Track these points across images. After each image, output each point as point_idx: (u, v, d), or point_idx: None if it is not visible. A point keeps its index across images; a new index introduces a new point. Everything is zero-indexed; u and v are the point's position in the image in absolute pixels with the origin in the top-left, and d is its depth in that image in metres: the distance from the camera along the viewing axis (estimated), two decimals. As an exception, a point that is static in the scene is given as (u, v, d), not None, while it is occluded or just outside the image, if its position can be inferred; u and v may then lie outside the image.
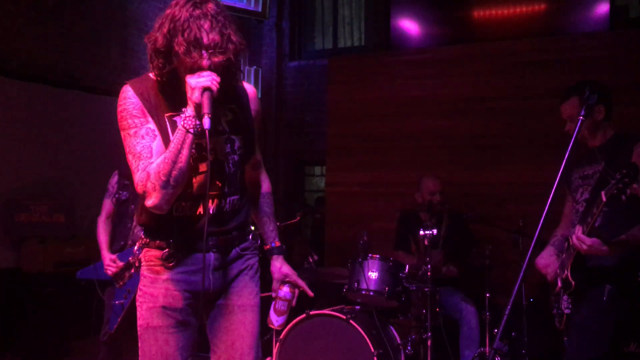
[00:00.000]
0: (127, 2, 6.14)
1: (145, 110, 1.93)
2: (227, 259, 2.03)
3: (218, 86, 1.85)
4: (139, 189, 1.89)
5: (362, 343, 3.55)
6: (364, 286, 3.82)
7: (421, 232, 3.94)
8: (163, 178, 1.83)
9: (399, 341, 3.84)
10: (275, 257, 2.23)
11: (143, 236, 2.04)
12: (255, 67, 7.46)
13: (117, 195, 3.62)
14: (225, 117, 2.03)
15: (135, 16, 6.23)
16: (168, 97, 1.95)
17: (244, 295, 2.06)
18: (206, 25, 1.85)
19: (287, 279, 2.21)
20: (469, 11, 6.31)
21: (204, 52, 1.86)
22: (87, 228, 4.87)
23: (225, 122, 2.02)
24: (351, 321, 3.61)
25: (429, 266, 3.87)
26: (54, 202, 5.09)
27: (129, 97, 1.94)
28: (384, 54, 6.52)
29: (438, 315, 3.95)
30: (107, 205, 3.67)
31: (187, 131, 1.83)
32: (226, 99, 2.01)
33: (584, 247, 2.51)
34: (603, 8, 5.62)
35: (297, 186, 8.22)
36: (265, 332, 4.31)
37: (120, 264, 3.46)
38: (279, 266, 2.21)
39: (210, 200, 1.96)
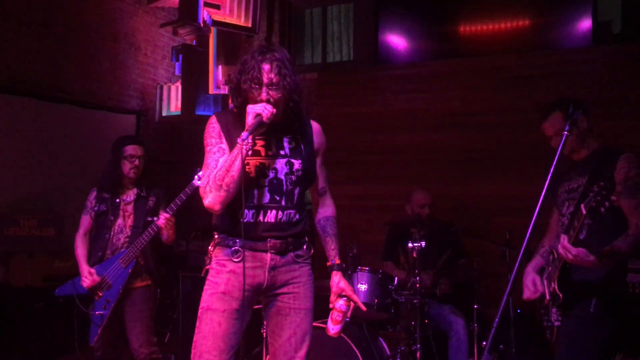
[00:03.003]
0: (118, 16, 6.17)
1: (222, 134, 2.41)
2: (282, 261, 2.40)
3: (270, 115, 2.27)
4: (201, 191, 2.34)
5: (352, 355, 3.57)
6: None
7: (409, 245, 3.97)
8: (218, 182, 2.27)
9: (388, 353, 3.86)
10: (334, 272, 2.55)
11: (216, 237, 2.44)
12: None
13: (95, 209, 3.68)
14: (289, 144, 2.46)
15: (126, 30, 6.26)
16: (243, 125, 2.32)
17: (299, 299, 2.45)
18: (266, 67, 2.33)
19: (344, 293, 2.51)
20: (456, 26, 6.40)
21: (264, 88, 2.32)
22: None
23: (289, 148, 2.44)
24: (341, 333, 3.62)
25: (417, 278, 3.90)
26: (43, 216, 5.06)
27: (211, 123, 2.45)
28: (372, 69, 6.59)
29: (427, 327, 3.98)
30: (85, 221, 3.75)
31: (241, 147, 2.23)
32: (290, 129, 2.47)
33: (570, 256, 2.51)
34: (586, 24, 5.73)
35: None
36: (256, 345, 4.32)
37: (97, 278, 3.53)
38: (337, 281, 2.53)
39: (270, 210, 2.37)
